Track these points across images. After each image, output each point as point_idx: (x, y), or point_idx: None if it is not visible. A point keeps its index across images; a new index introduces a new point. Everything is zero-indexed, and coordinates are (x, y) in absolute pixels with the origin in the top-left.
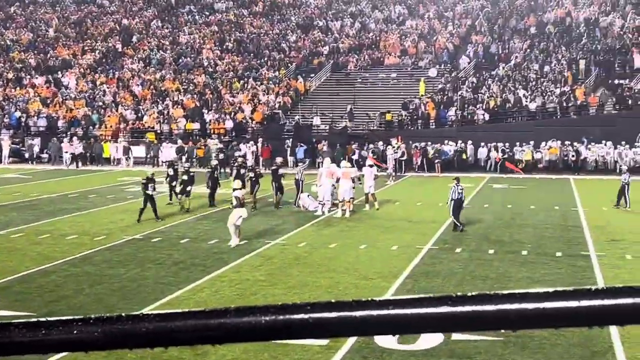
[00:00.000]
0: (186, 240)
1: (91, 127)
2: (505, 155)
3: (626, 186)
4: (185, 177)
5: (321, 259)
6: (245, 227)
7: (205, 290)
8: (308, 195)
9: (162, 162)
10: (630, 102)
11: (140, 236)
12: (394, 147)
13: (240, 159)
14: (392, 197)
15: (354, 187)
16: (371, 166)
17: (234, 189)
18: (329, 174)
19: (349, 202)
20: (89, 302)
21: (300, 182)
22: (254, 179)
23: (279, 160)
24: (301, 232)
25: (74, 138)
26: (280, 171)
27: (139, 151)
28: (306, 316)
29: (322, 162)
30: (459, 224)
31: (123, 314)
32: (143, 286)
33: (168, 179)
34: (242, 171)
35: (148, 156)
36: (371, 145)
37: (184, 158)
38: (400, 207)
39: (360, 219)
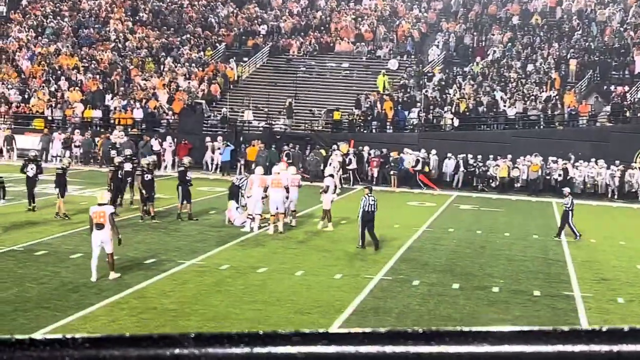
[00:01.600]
0: (78, 256)
1: None
2: (474, 169)
3: (569, 213)
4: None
5: (247, 286)
6: (153, 240)
7: (101, 319)
8: (237, 208)
9: (53, 156)
10: (628, 113)
11: (21, 247)
12: (343, 153)
13: (149, 161)
14: (338, 214)
15: (286, 197)
16: (332, 176)
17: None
18: (261, 182)
19: (282, 214)
20: None
21: (239, 190)
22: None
23: (186, 160)
24: (224, 251)
25: None
26: (189, 175)
27: (26, 142)
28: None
29: (252, 167)
30: (373, 241)
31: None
32: (21, 311)
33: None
34: (148, 177)
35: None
36: (286, 147)
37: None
38: (346, 226)
39: (298, 238)
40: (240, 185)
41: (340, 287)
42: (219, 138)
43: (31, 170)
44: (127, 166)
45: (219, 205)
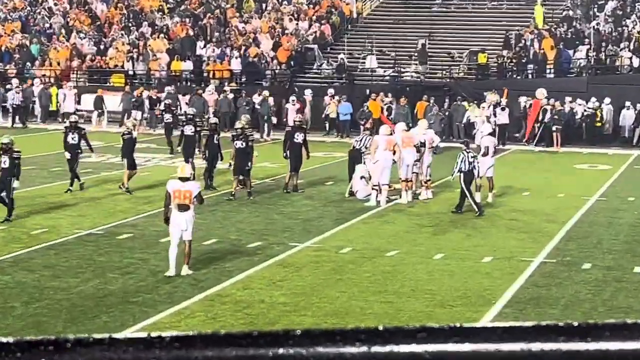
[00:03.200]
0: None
1: (29, 64)
2: None
3: None
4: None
5: (375, 274)
6: (257, 220)
7: (198, 316)
8: (361, 177)
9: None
10: None
11: (101, 230)
12: (498, 103)
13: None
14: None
15: (417, 160)
16: (491, 134)
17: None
18: (388, 144)
19: (412, 182)
20: (20, 327)
21: (361, 155)
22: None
23: (297, 117)
24: (344, 231)
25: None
26: (299, 136)
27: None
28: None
29: (375, 129)
30: (477, 207)
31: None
32: (104, 306)
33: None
34: (216, 137)
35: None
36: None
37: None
38: (498, 198)
39: (436, 213)
40: (361, 148)
41: (491, 272)
42: (330, 91)
43: (72, 139)
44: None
45: (337, 174)
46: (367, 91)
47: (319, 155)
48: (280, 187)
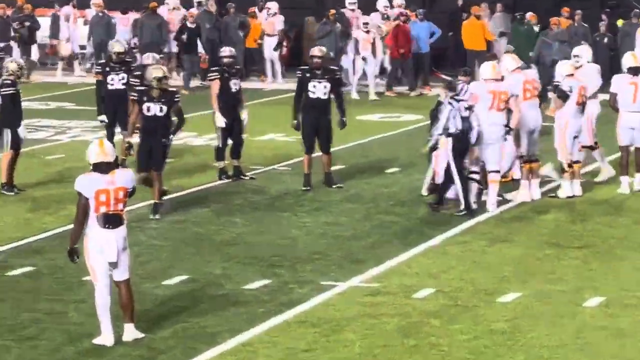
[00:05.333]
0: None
1: None
2: None
3: None
4: None
5: (478, 335)
6: (259, 239)
7: None
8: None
9: None
10: None
11: None
12: None
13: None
14: None
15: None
16: None
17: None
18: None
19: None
20: None
21: None
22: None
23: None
24: (420, 258)
25: None
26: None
27: None
28: None
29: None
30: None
31: None
32: None
33: None
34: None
35: None
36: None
37: None
38: None
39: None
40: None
41: None
42: None
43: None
44: None
45: (401, 155)
46: None
47: (370, 120)
48: (297, 178)
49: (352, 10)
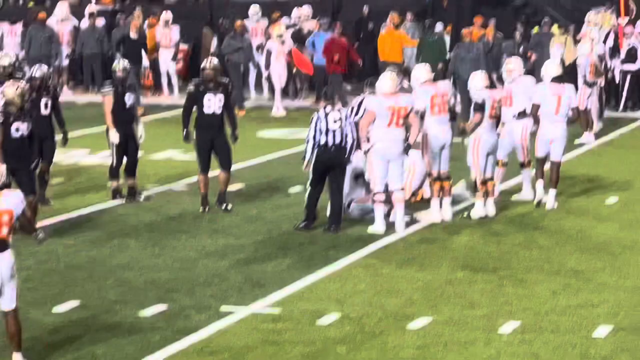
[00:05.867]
0: None
1: None
2: None
3: None
4: None
5: None
6: (152, 263)
7: None
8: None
9: None
10: None
11: None
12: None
13: None
14: None
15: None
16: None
17: None
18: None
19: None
20: None
21: None
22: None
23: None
24: (327, 281)
25: None
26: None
27: None
28: None
29: None
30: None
31: None
32: None
33: None
34: None
35: None
36: None
37: None
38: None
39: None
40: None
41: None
42: None
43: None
44: None
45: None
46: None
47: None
48: (195, 198)
49: (257, 21)
